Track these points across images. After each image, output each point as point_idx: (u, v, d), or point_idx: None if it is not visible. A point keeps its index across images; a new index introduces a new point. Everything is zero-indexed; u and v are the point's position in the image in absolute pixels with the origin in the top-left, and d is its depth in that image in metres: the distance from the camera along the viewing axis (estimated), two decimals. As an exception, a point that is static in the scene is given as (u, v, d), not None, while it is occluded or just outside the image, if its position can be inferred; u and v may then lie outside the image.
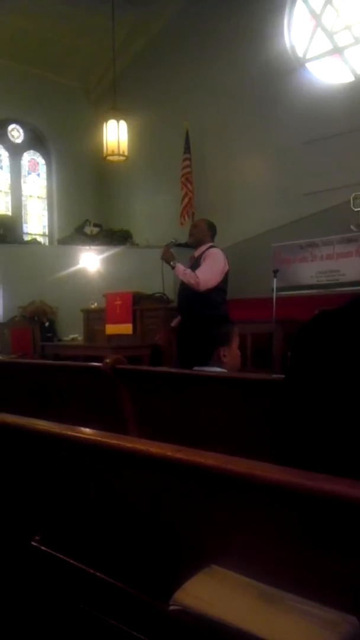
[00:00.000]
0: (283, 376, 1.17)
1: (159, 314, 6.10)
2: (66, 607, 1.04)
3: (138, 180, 9.52)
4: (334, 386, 0.95)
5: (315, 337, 1.04)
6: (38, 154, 10.33)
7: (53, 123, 9.96)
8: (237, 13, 7.95)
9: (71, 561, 1.02)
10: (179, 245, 4.53)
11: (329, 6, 7.55)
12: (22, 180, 10.15)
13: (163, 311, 6.02)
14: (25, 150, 10.19)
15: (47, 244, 10.03)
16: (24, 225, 10.06)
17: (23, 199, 10.14)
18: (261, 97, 7.79)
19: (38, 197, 10.37)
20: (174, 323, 4.24)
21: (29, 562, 1.12)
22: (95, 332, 6.85)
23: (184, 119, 8.29)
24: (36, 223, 10.33)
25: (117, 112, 7.80)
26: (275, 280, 5.82)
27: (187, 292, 4.00)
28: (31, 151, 10.27)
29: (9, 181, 9.96)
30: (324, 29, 7.62)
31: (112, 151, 7.75)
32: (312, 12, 7.69)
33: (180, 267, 3.97)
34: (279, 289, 5.89)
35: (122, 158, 7.90)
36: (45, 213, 10.41)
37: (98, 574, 0.97)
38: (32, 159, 10.31)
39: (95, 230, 9.09)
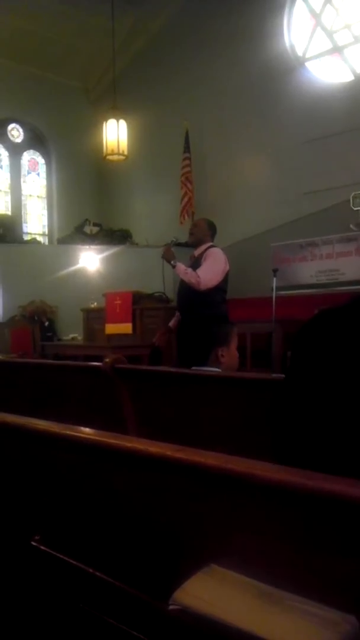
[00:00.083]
0: (283, 376, 1.17)
1: (158, 314, 6.10)
2: (66, 607, 1.03)
3: (138, 179, 9.53)
4: (335, 386, 0.95)
5: (316, 336, 1.04)
6: (38, 153, 10.34)
7: (53, 123, 9.96)
8: (236, 12, 7.95)
9: (71, 561, 1.02)
10: (179, 244, 4.52)
11: (328, 5, 7.55)
12: (21, 180, 10.16)
13: (163, 311, 6.01)
14: (25, 150, 10.19)
15: (46, 243, 10.03)
16: (24, 225, 10.07)
17: (23, 198, 10.14)
18: (261, 97, 7.79)
19: (38, 196, 10.37)
20: (171, 323, 4.23)
21: (28, 562, 1.12)
22: (95, 332, 6.85)
23: (183, 118, 8.29)
24: (36, 223, 10.33)
25: (117, 111, 7.80)
26: (274, 279, 5.81)
27: (187, 292, 3.99)
28: (31, 151, 10.27)
29: (8, 181, 9.97)
30: (323, 28, 7.62)
31: (112, 151, 7.75)
32: (311, 11, 7.69)
33: (181, 266, 3.97)
34: (278, 289, 5.89)
35: (122, 157, 7.91)
36: (45, 212, 10.41)
37: (98, 573, 0.97)
38: (31, 158, 10.31)
39: (95, 229, 9.10)
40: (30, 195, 10.28)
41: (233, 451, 0.80)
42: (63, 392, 2.50)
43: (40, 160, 10.38)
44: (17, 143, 10.08)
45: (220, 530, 0.82)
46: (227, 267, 4.04)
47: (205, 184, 8.47)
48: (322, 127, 7.05)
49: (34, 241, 9.54)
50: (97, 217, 9.59)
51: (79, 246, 8.42)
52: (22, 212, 10.08)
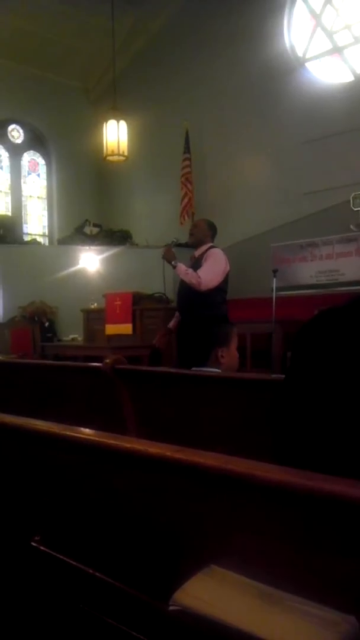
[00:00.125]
0: (283, 376, 1.17)
1: (158, 314, 6.10)
2: (66, 607, 1.03)
3: (138, 180, 9.53)
4: (335, 386, 0.95)
5: (315, 337, 1.04)
6: (38, 154, 10.34)
7: (53, 123, 9.97)
8: (236, 12, 7.96)
9: (71, 561, 1.02)
10: (179, 245, 4.52)
11: (328, 6, 7.55)
12: (22, 181, 10.16)
13: (163, 311, 6.01)
14: (25, 151, 10.20)
15: (47, 244, 10.04)
16: (24, 226, 10.07)
17: (23, 199, 10.15)
18: (261, 97, 7.79)
19: (38, 197, 10.37)
20: (171, 324, 4.23)
21: (28, 562, 1.12)
22: (95, 332, 6.85)
23: (183, 118, 8.29)
24: (36, 223, 10.33)
25: (117, 112, 7.80)
26: (274, 280, 5.82)
27: (187, 292, 3.99)
28: (31, 151, 10.27)
29: (9, 181, 9.97)
30: (323, 29, 7.62)
31: (112, 151, 7.75)
32: (311, 11, 7.70)
33: (181, 266, 3.97)
34: (278, 289, 5.89)
35: (122, 158, 7.90)
36: (45, 213, 10.42)
37: (97, 574, 0.97)
38: (32, 159, 10.32)
39: (95, 230, 9.10)
40: (30, 196, 10.28)
41: (233, 451, 0.80)
42: (63, 392, 2.50)
43: (41, 161, 10.38)
44: (17, 144, 10.08)
45: (220, 530, 0.82)
46: (228, 268, 4.04)
47: (205, 184, 8.47)
48: (322, 127, 7.06)
49: (34, 242, 9.54)
50: (97, 217, 9.59)
51: (79, 247, 8.42)
52: (23, 212, 10.09)
